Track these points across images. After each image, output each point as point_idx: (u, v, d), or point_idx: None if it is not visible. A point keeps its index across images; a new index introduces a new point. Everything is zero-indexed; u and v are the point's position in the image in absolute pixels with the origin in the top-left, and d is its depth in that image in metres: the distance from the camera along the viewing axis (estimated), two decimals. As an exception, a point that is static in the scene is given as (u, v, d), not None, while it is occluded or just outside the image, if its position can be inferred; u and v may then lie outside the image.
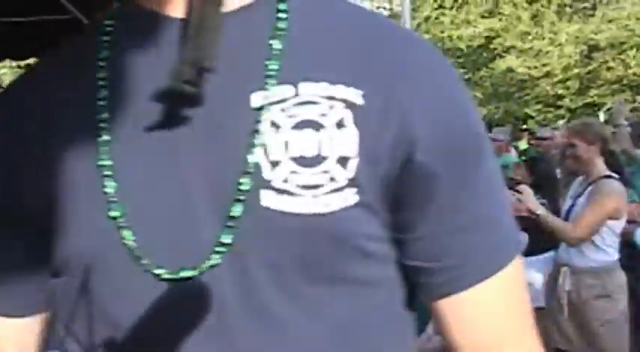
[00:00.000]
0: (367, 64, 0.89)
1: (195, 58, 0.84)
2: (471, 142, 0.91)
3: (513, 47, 20.50)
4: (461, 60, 21.86)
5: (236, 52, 0.88)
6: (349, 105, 0.86)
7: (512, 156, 10.10)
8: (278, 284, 0.85)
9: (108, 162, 0.87)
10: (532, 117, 20.95)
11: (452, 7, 20.88)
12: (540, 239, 5.21)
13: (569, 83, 20.78)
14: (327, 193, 0.85)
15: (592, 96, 20.86)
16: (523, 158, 8.92)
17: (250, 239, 0.84)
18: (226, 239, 0.84)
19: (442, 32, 20.84)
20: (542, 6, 20.62)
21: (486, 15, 20.68)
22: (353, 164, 0.86)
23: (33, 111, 0.93)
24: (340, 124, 0.86)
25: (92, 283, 0.88)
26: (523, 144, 12.08)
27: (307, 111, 0.86)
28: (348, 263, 0.87)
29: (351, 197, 0.86)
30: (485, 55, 21.50)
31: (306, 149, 0.85)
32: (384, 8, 22.63)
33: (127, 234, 0.86)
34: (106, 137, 0.88)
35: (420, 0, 21.16)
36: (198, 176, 0.86)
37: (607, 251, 4.74)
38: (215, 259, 0.84)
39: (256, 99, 0.86)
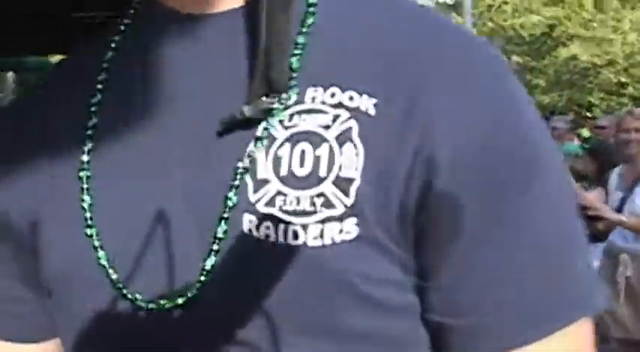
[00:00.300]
0: (392, 67, 0.73)
1: (274, 83, 0.73)
2: (518, 167, 0.72)
3: (576, 35, 20.34)
4: (524, 48, 21.75)
5: (251, 50, 0.76)
6: (357, 115, 0.72)
7: (574, 144, 10.11)
8: (263, 328, 0.71)
9: (86, 174, 0.79)
10: (595, 106, 20.77)
11: (514, -4, 20.79)
12: (594, 228, 5.23)
13: (632, 71, 20.50)
14: (320, 222, 0.70)
15: (656, 85, 20.64)
16: (585, 146, 8.94)
17: (232, 267, 0.72)
18: (208, 265, 0.72)
19: (505, 21, 20.75)
20: (606, -7, 20.45)
21: (548, 3, 20.54)
22: (355, 187, 0.70)
23: (35, 119, 0.86)
24: (343, 138, 0.71)
25: (69, 303, 0.79)
26: (586, 132, 12.04)
27: (308, 122, 0.72)
28: (349, 312, 0.71)
29: (350, 228, 0.70)
30: (548, 42, 21.35)
31: (299, 167, 0.71)
32: (448, -5, 22.67)
33: (101, 254, 0.76)
34: (89, 145, 0.80)
35: (483, -12, 21.09)
36: (183, 191, 0.74)
37: (666, 237, 4.77)
38: (195, 289, 0.72)
39: None
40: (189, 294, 0.72)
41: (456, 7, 20.37)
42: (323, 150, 0.71)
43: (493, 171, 0.71)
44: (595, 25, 20.24)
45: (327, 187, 0.70)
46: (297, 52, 0.75)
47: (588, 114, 17.74)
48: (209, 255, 0.72)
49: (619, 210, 4.91)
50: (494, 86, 0.74)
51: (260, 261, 0.71)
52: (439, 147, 0.70)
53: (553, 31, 20.72)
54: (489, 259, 0.72)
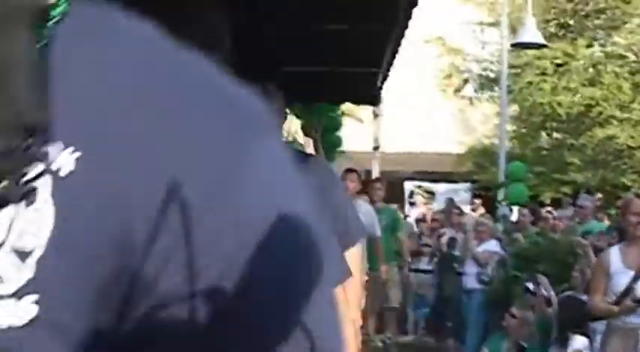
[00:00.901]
0: (106, 112, 0.59)
1: (35, 119, 0.57)
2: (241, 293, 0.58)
3: (612, 116, 20.58)
4: (564, 125, 21.98)
5: None
6: (53, 170, 0.58)
7: (601, 223, 10.37)
8: None
9: None
10: (629, 187, 20.90)
11: (553, 74, 21.09)
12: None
13: (665, 155, 20.64)
14: None
15: (688, 169, 20.74)
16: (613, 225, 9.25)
17: None
18: None
19: (542, 98, 21.03)
20: (644, 77, 20.69)
21: (586, 84, 20.83)
22: (35, 259, 0.56)
23: None
24: (31, 198, 0.57)
25: None
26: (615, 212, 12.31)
27: None
28: None
29: (28, 307, 0.55)
30: (585, 122, 21.57)
31: None
32: (491, 70, 22.93)
33: None
34: None
35: (523, 65, 21.42)
36: None
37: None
38: None
39: None
40: None
41: (497, 81, 20.69)
42: (5, 213, 0.57)
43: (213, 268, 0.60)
44: (631, 107, 20.47)
45: (3, 258, 0.56)
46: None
47: (621, 194, 17.91)
48: None
49: (630, 287, 5.23)
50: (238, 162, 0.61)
51: None
52: (135, 222, 0.58)
53: (590, 112, 20.96)
54: None
